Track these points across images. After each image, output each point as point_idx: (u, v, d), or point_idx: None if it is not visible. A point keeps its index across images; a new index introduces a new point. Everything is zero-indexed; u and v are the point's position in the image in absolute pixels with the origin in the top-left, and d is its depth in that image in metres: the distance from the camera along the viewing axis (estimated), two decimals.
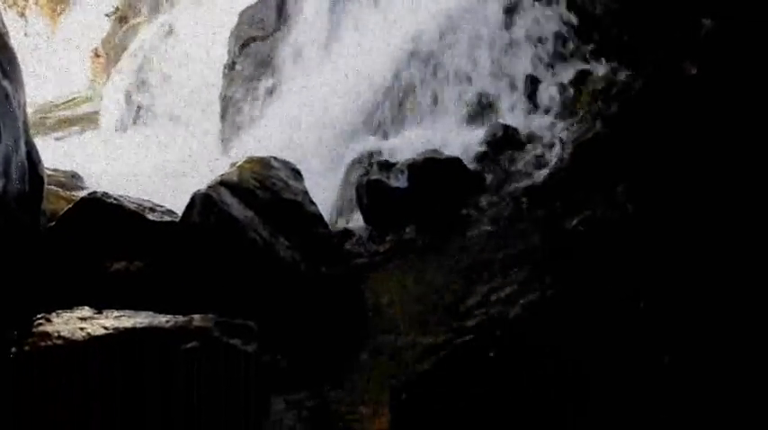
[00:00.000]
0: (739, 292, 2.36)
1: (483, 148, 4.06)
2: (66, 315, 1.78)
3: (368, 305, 2.82)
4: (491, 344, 2.44)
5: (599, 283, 2.67)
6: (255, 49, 7.16)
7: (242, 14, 7.61)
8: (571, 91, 4.21)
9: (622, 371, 2.18)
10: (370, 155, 4.24)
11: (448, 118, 4.61)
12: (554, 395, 2.13)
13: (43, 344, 1.64)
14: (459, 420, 2.06)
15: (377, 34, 5.49)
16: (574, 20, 4.33)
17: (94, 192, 2.87)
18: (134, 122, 9.67)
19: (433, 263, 3.25)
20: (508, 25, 4.66)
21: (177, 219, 2.77)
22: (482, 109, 4.55)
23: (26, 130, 2.79)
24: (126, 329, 1.73)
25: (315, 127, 5.21)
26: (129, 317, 1.80)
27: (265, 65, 6.89)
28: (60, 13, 14.21)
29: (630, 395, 2.08)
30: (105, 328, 1.72)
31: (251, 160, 3.09)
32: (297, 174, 3.17)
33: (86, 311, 1.84)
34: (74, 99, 12.06)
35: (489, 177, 3.82)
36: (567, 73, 4.32)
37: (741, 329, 2.22)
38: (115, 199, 2.82)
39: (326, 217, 3.32)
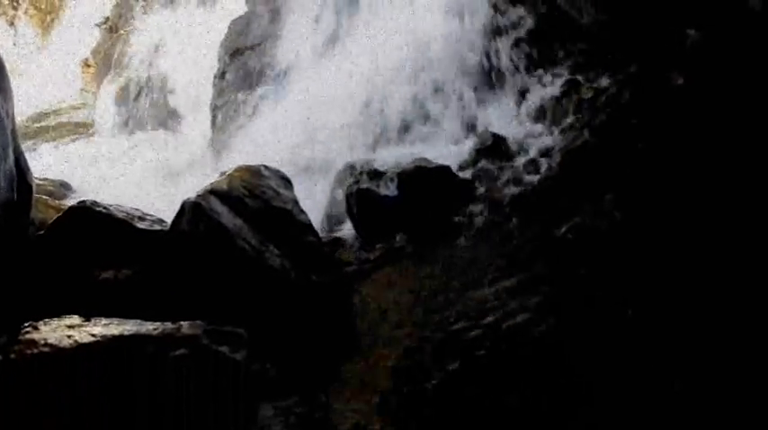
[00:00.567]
0: (726, 298, 2.37)
1: (472, 157, 4.08)
2: (54, 323, 1.77)
3: (357, 313, 2.83)
4: (480, 351, 2.44)
5: (587, 291, 2.68)
6: (245, 58, 7.18)
7: (232, 24, 7.63)
8: (559, 100, 4.24)
9: (610, 376, 2.19)
10: (361, 163, 4.24)
11: (437, 127, 4.63)
12: (543, 400, 2.13)
13: (30, 351, 1.63)
14: (448, 425, 2.07)
15: (366, 46, 5.52)
16: (562, 29, 4.37)
17: (83, 201, 2.86)
18: (125, 131, 9.67)
19: (422, 271, 3.26)
20: (495, 35, 4.70)
21: (167, 228, 2.76)
22: (472, 118, 4.58)
23: (14, 139, 2.79)
24: (114, 337, 1.72)
25: (305, 136, 5.22)
26: (117, 324, 1.79)
27: (255, 74, 6.90)
28: (50, 23, 14.19)
29: (615, 398, 2.09)
30: (93, 336, 1.71)
31: (241, 169, 3.09)
32: (287, 182, 3.17)
33: (74, 319, 1.83)
34: (64, 108, 12.03)
35: (478, 186, 3.83)
36: (555, 82, 4.36)
37: (727, 333, 2.23)
38: (104, 208, 2.81)
39: (316, 225, 3.32)
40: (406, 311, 2.92)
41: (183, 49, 9.67)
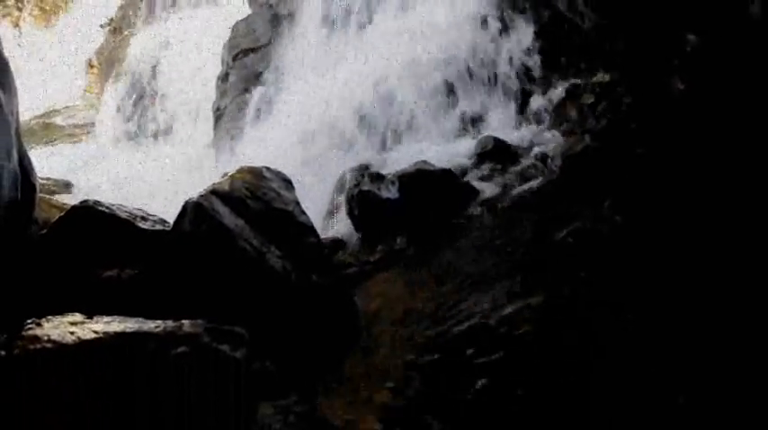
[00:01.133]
0: (725, 300, 2.39)
1: (474, 160, 4.10)
2: (57, 320, 1.79)
3: (358, 314, 2.84)
4: (480, 353, 2.46)
5: (588, 294, 2.69)
6: (248, 60, 7.21)
7: (235, 27, 7.67)
8: (561, 105, 4.26)
9: (608, 377, 2.20)
10: (362, 166, 4.26)
11: (440, 130, 4.65)
12: (542, 401, 2.14)
13: (32, 347, 1.65)
14: (448, 425, 2.08)
15: (370, 47, 5.54)
16: (563, 35, 4.39)
17: (86, 201, 2.87)
18: (128, 132, 9.70)
19: (423, 273, 3.27)
20: (498, 40, 4.72)
21: (169, 228, 2.78)
22: (473, 122, 4.60)
23: (18, 139, 2.80)
24: (116, 334, 1.73)
25: (307, 138, 5.24)
26: (119, 322, 1.81)
27: (258, 76, 6.94)
28: (54, 24, 14.24)
29: (614, 399, 2.10)
30: (95, 332, 1.73)
31: (243, 170, 3.11)
32: (288, 184, 3.18)
33: (77, 317, 1.84)
34: (68, 108, 12.07)
35: (479, 189, 3.85)
36: (556, 87, 4.38)
37: (726, 335, 2.24)
38: (107, 207, 2.82)
39: (317, 227, 3.34)
40: (406, 313, 2.93)
41: (187, 50, 9.70)
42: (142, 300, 2.40)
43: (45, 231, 2.80)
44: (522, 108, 4.43)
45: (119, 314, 1.96)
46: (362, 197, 3.86)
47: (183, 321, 1.87)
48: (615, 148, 3.61)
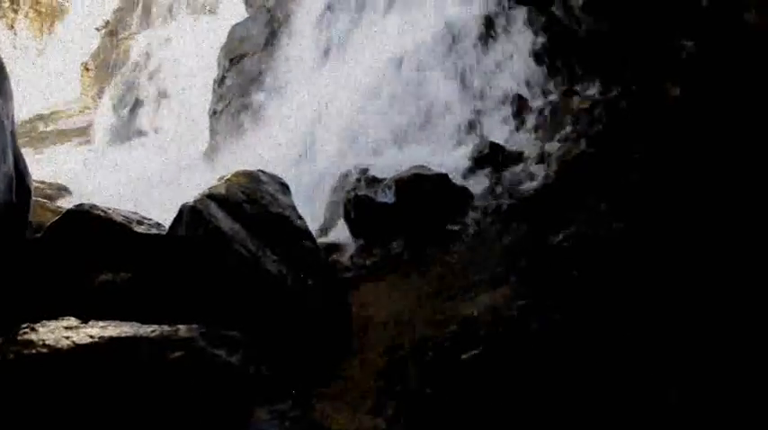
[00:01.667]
0: (721, 302, 2.39)
1: (470, 165, 4.11)
2: (52, 324, 1.78)
3: (353, 317, 2.83)
4: (475, 356, 2.45)
5: (584, 298, 2.69)
6: (245, 64, 7.21)
7: (232, 31, 7.67)
8: (557, 110, 4.27)
9: (604, 379, 2.20)
10: (359, 170, 4.26)
11: (436, 134, 4.66)
12: (537, 403, 2.14)
13: (27, 351, 1.64)
14: (442, 427, 2.08)
15: (366, 52, 5.55)
16: (560, 40, 4.40)
17: (82, 205, 2.86)
18: (124, 136, 9.67)
19: (418, 276, 3.27)
20: (495, 44, 4.73)
21: (165, 232, 2.77)
22: (469, 126, 4.60)
23: (14, 141, 2.79)
24: (111, 338, 1.73)
25: (303, 141, 5.24)
26: (114, 326, 1.80)
27: (254, 80, 6.93)
28: (50, 27, 14.22)
29: (609, 400, 2.11)
30: (90, 337, 1.72)
31: (239, 174, 3.10)
32: (285, 188, 3.18)
33: (71, 321, 1.83)
34: (63, 111, 12.04)
35: (476, 193, 3.86)
36: (552, 92, 4.39)
37: (721, 337, 2.25)
38: (103, 211, 2.81)
39: (313, 231, 3.33)
40: (401, 316, 2.93)
41: (182, 54, 9.69)
42: (137, 304, 2.38)
43: (40, 235, 2.78)
44: (518, 112, 4.44)
45: (114, 318, 1.95)
46: (359, 201, 3.86)
47: (179, 326, 1.87)
48: (611, 153, 3.62)
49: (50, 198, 5.43)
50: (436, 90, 4.81)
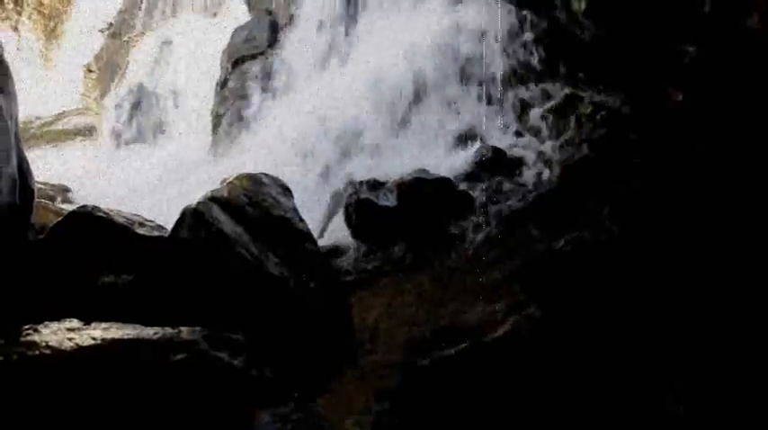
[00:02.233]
0: (722, 309, 2.39)
1: (472, 169, 4.11)
2: (54, 325, 1.78)
3: (355, 321, 2.84)
4: (476, 360, 2.45)
5: (585, 302, 2.70)
6: (247, 66, 7.23)
7: (235, 33, 7.69)
8: (559, 114, 4.27)
9: (602, 382, 2.20)
10: (360, 174, 4.27)
11: (438, 139, 4.66)
12: (538, 411, 2.14)
13: (31, 353, 1.64)
14: None
15: (367, 54, 5.56)
16: (563, 45, 4.40)
17: (84, 206, 2.86)
18: (126, 137, 9.69)
19: (419, 280, 3.27)
20: (497, 48, 4.74)
21: (167, 234, 2.77)
22: (471, 130, 4.61)
23: (17, 143, 2.79)
24: (114, 340, 1.73)
25: (306, 144, 5.24)
26: (117, 328, 1.80)
27: (257, 82, 6.94)
28: (54, 28, 14.24)
29: (609, 406, 2.11)
30: (93, 339, 1.72)
31: (241, 177, 3.10)
32: (287, 191, 3.18)
33: (74, 323, 1.84)
34: (66, 113, 12.07)
35: (477, 197, 3.86)
36: (555, 97, 4.39)
37: (723, 343, 2.25)
38: (105, 213, 2.81)
39: (315, 234, 3.34)
40: (402, 320, 2.93)
41: (186, 56, 9.71)
42: (139, 306, 2.38)
43: (42, 236, 2.78)
44: (521, 117, 4.45)
45: (116, 320, 1.96)
46: (360, 204, 3.86)
47: (182, 328, 1.87)
48: (613, 158, 3.62)
49: (53, 199, 5.44)
50: (438, 94, 4.81)
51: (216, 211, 2.77)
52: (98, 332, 1.77)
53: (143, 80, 9.99)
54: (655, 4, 3.60)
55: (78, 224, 2.74)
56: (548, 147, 4.10)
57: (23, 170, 2.79)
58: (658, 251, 2.86)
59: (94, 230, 2.72)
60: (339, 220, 4.10)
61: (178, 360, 1.73)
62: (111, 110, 10.09)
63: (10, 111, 2.75)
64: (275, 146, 5.54)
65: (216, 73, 7.83)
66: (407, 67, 5.00)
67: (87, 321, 1.88)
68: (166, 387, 1.68)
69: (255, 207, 2.95)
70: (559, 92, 4.33)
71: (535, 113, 4.39)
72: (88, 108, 11.72)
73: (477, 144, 4.39)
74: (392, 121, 4.86)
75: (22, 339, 1.69)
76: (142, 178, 7.29)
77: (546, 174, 3.87)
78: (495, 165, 4.08)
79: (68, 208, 3.35)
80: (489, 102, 4.65)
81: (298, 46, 6.58)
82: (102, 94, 10.95)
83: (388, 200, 3.82)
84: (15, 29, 13.96)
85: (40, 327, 1.76)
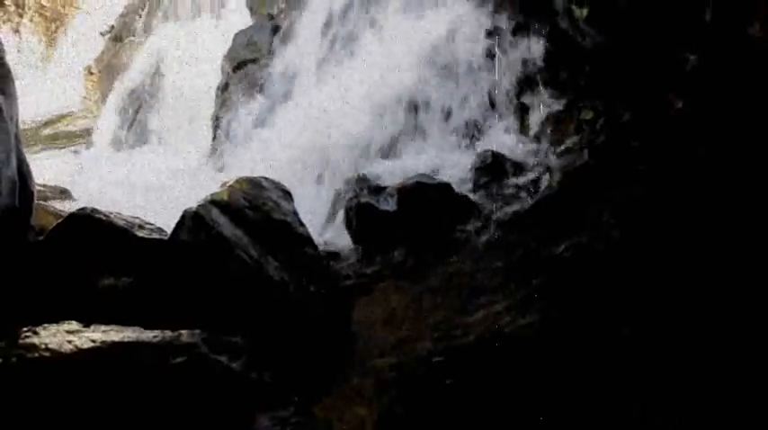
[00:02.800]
0: (723, 317, 2.39)
1: (472, 174, 4.11)
2: (53, 328, 1.78)
3: (355, 325, 2.83)
4: (476, 366, 2.45)
5: (585, 310, 2.69)
6: (249, 71, 7.23)
7: (236, 37, 7.70)
8: (560, 121, 4.27)
9: (606, 397, 2.20)
10: (361, 178, 4.27)
11: (439, 144, 4.66)
12: (537, 416, 2.14)
13: (30, 355, 1.64)
14: None
15: (370, 59, 5.56)
16: (564, 52, 4.41)
17: (84, 209, 2.86)
18: (127, 141, 9.70)
19: (420, 286, 3.27)
20: (499, 54, 4.74)
21: (167, 237, 2.77)
22: (472, 136, 4.61)
23: (18, 145, 2.80)
24: (114, 343, 1.73)
25: (306, 149, 5.24)
26: (116, 331, 1.80)
27: (258, 87, 6.95)
28: (54, 31, 14.27)
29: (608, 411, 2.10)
30: (93, 342, 1.72)
31: (242, 180, 3.11)
32: (287, 194, 3.19)
33: (73, 325, 1.83)
34: (66, 116, 12.08)
35: (478, 202, 3.86)
36: (556, 103, 4.39)
37: (723, 351, 2.25)
38: (104, 215, 2.81)
39: (315, 238, 3.33)
40: (402, 325, 2.93)
41: (187, 59, 9.72)
42: (139, 309, 2.38)
43: (42, 238, 2.78)
44: (522, 123, 4.45)
45: (115, 323, 1.95)
46: (361, 209, 3.86)
47: (181, 331, 1.87)
48: (614, 165, 3.62)
49: (52, 201, 5.43)
50: (440, 98, 4.81)
51: (216, 214, 2.77)
52: (98, 335, 1.77)
53: (144, 83, 10.00)
54: (656, 11, 3.61)
55: (78, 226, 2.74)
56: (549, 152, 4.09)
57: (23, 172, 2.79)
58: (659, 257, 2.86)
59: (94, 233, 2.72)
60: (339, 225, 4.10)
61: (178, 363, 1.73)
62: (112, 112, 10.09)
63: (10, 113, 2.75)
64: (276, 150, 5.55)
65: (217, 77, 7.83)
66: (410, 72, 5.01)
67: (87, 324, 1.87)
68: (166, 390, 1.67)
69: (256, 210, 2.96)
70: (561, 98, 4.33)
71: (536, 119, 4.39)
72: (89, 110, 11.73)
73: (479, 149, 4.39)
74: (394, 127, 4.86)
75: (22, 341, 1.69)
76: (142, 181, 7.28)
77: (547, 179, 3.86)
78: (496, 170, 4.07)
79: (68, 210, 3.34)
80: (491, 107, 4.65)
81: (300, 50, 6.59)
82: (103, 97, 10.95)
83: (389, 204, 3.82)
84: (17, 31, 13.99)
85: (39, 330, 1.76)
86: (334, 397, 2.28)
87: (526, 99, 4.52)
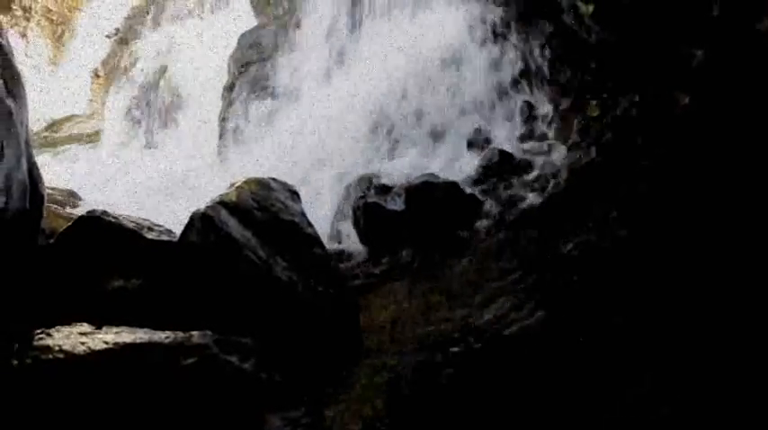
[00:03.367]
0: (727, 313, 2.38)
1: (479, 173, 4.11)
2: (66, 330, 1.79)
3: (363, 325, 2.84)
4: (484, 364, 2.45)
5: (593, 307, 2.69)
6: (254, 71, 7.25)
7: (241, 38, 7.72)
8: (566, 118, 4.27)
9: (611, 392, 2.20)
10: (368, 177, 4.27)
11: (446, 143, 4.66)
12: (543, 411, 2.14)
13: (45, 357, 1.65)
14: None
15: (376, 60, 5.56)
16: (569, 49, 4.40)
17: (93, 211, 2.87)
18: (134, 142, 9.73)
19: (427, 285, 3.27)
20: (503, 53, 4.74)
21: (175, 239, 2.78)
22: (479, 134, 4.61)
23: (28, 148, 2.81)
24: (126, 344, 1.74)
25: (313, 149, 5.25)
26: (128, 332, 1.81)
27: (264, 87, 6.96)
28: (61, 35, 14.33)
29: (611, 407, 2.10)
30: (106, 343, 1.73)
31: (250, 181, 3.11)
32: (295, 195, 3.19)
33: (86, 327, 1.85)
34: (74, 118, 12.13)
35: (485, 201, 3.86)
36: (562, 101, 4.39)
37: (726, 348, 2.24)
38: (114, 217, 2.82)
39: (323, 238, 3.34)
40: (410, 324, 2.93)
41: (193, 61, 9.75)
42: (149, 310, 2.40)
43: (52, 241, 2.80)
44: (528, 121, 4.45)
45: (126, 325, 1.97)
46: (368, 209, 3.87)
47: (192, 332, 1.88)
48: (621, 162, 3.61)
49: (62, 204, 5.47)
50: (446, 98, 4.81)
51: (224, 216, 2.78)
52: (110, 336, 1.78)
53: (150, 85, 10.04)
54: (663, 6, 3.59)
55: (87, 229, 2.75)
56: (555, 150, 4.09)
57: (34, 175, 2.81)
58: (666, 255, 2.85)
59: (103, 235, 2.73)
60: (347, 225, 4.10)
61: (189, 363, 1.74)
62: (119, 114, 10.14)
63: (20, 117, 2.77)
64: (282, 150, 5.56)
65: (223, 78, 7.86)
66: (414, 71, 5.01)
67: (98, 325, 1.89)
68: (177, 390, 1.69)
69: (264, 211, 2.96)
70: (567, 95, 4.32)
71: (542, 117, 4.39)
72: (96, 113, 11.78)
73: (485, 148, 4.39)
74: (400, 127, 4.87)
75: (36, 343, 1.71)
76: (150, 183, 7.31)
77: (553, 178, 3.86)
78: (502, 168, 4.08)
79: (77, 213, 3.36)
80: (497, 105, 4.65)
81: (305, 51, 6.60)
82: (110, 99, 11.00)
83: (396, 204, 3.82)
84: (24, 35, 14.06)
85: (52, 332, 1.77)
86: (344, 396, 2.29)
87: (531, 97, 4.52)
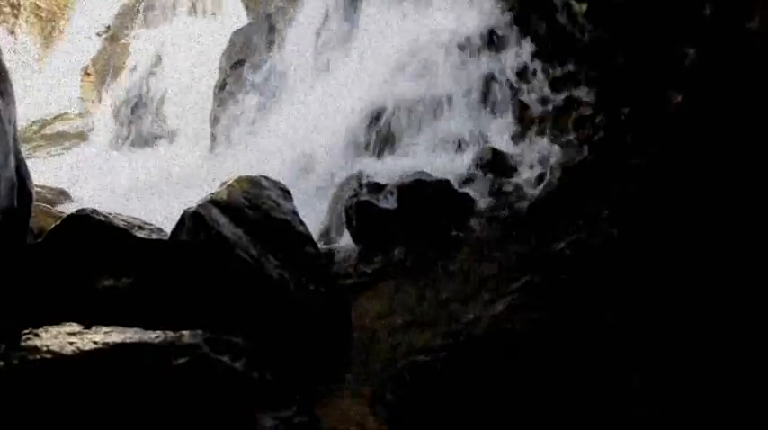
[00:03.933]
0: (719, 312, 2.39)
1: (472, 171, 4.10)
2: (54, 330, 1.77)
3: (356, 323, 2.83)
4: (476, 364, 2.45)
5: (585, 306, 2.69)
6: (246, 70, 7.23)
7: (233, 36, 7.70)
8: (559, 117, 4.27)
9: (601, 389, 2.20)
10: (360, 176, 4.26)
11: (437, 141, 4.66)
12: (536, 410, 2.14)
13: (32, 357, 1.63)
14: None
15: (366, 57, 5.55)
16: (562, 47, 4.41)
17: (83, 209, 2.85)
18: (124, 141, 9.68)
19: (420, 284, 3.26)
20: (497, 51, 4.74)
21: (166, 237, 2.76)
22: (471, 132, 4.60)
23: (16, 146, 2.78)
24: (116, 344, 1.72)
25: (304, 147, 5.24)
26: (118, 332, 1.79)
27: (255, 86, 6.94)
28: (51, 31, 14.23)
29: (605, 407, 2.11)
30: (95, 343, 1.71)
31: (241, 179, 3.09)
32: (286, 193, 3.17)
33: (74, 327, 1.82)
34: (63, 116, 12.05)
35: (478, 200, 3.85)
36: (555, 99, 4.39)
37: (720, 347, 2.25)
38: (104, 216, 2.80)
39: (315, 237, 3.33)
40: (402, 323, 2.93)
41: (183, 59, 9.71)
42: (139, 309, 2.37)
43: (41, 240, 2.77)
44: (521, 119, 4.45)
45: (116, 324, 1.94)
46: (360, 207, 3.85)
47: (183, 331, 1.86)
48: (613, 160, 3.62)
49: (51, 202, 5.42)
50: (438, 96, 4.81)
51: (216, 214, 2.76)
52: (99, 336, 1.76)
53: (140, 83, 9.99)
54: (655, 6, 3.60)
55: (77, 227, 2.73)
56: (547, 149, 4.09)
57: (22, 173, 2.78)
58: (657, 254, 2.86)
59: (93, 234, 2.70)
60: (339, 223, 4.09)
61: (180, 363, 1.72)
62: (109, 113, 10.08)
63: (8, 115, 2.74)
64: (274, 148, 5.54)
65: (214, 76, 7.83)
66: (407, 70, 5.00)
67: (87, 325, 1.87)
68: (168, 390, 1.67)
69: (255, 209, 2.94)
70: (559, 94, 4.33)
71: (535, 115, 4.39)
72: (86, 111, 11.71)
73: (478, 146, 4.39)
74: (392, 124, 4.86)
75: (23, 344, 1.68)
76: (140, 181, 7.27)
77: (546, 176, 3.86)
78: (495, 166, 4.07)
79: (67, 211, 3.33)
80: (489, 103, 4.65)
81: (296, 49, 6.58)
82: (100, 98, 10.94)
83: (389, 202, 3.81)
84: (12, 32, 13.94)
85: (40, 332, 1.75)
86: (336, 395, 2.28)
87: (524, 95, 4.52)
